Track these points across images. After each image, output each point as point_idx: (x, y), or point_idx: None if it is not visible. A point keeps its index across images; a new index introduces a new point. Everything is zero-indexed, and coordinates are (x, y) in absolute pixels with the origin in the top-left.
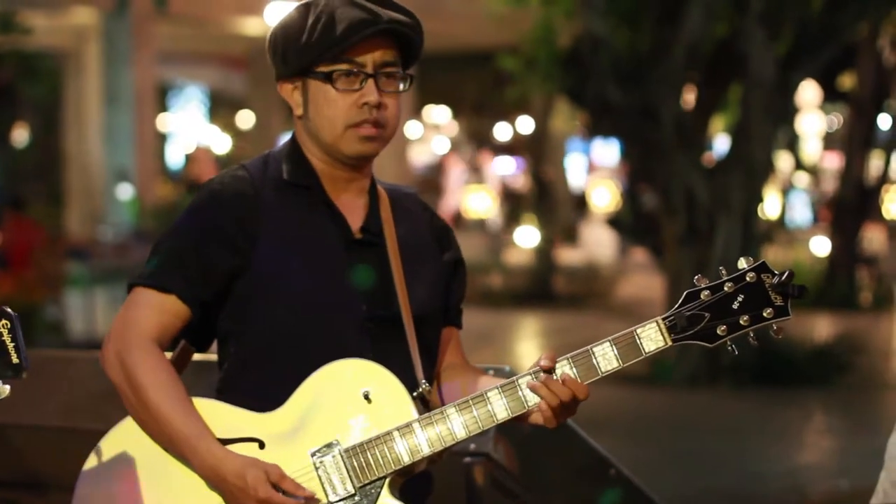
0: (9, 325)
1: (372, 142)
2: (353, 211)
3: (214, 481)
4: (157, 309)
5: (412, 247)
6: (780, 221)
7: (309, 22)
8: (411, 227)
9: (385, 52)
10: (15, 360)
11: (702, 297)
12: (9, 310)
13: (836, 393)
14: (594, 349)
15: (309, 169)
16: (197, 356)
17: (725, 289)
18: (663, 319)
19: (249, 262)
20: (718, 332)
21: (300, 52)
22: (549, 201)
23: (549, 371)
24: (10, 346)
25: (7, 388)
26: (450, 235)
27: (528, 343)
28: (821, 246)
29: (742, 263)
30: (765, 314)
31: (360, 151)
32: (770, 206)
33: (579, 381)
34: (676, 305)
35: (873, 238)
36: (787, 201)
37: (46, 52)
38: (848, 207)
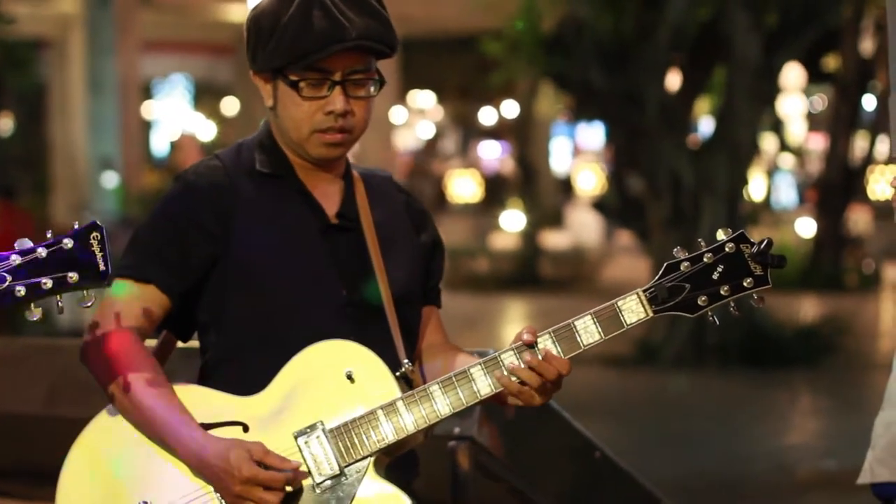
0: (98, 237)
1: (337, 147)
2: (329, 197)
3: (198, 467)
4: (137, 299)
5: (389, 230)
6: (766, 203)
7: (281, 22)
8: (387, 210)
9: (355, 60)
10: (102, 267)
11: (682, 268)
12: (99, 223)
13: (822, 373)
14: (575, 323)
15: (282, 158)
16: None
17: (705, 260)
18: (644, 291)
19: (226, 251)
20: (699, 302)
21: (268, 56)
22: (535, 185)
23: (532, 345)
24: (99, 255)
25: (38, 311)
26: (426, 217)
27: (514, 327)
28: (806, 227)
29: (721, 234)
30: (745, 283)
31: (324, 155)
32: (755, 188)
33: (562, 355)
34: (657, 277)
35: (859, 219)
36: (772, 183)
37: (30, 41)
38: (833, 189)
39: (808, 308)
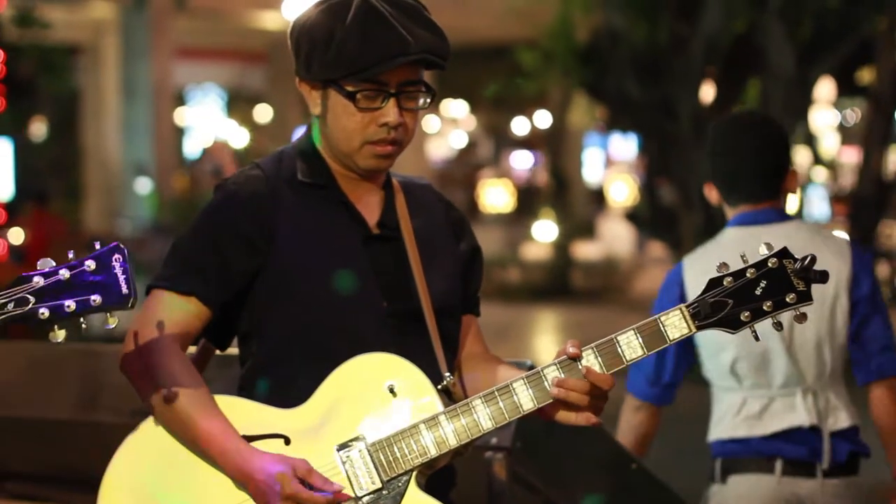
0: (120, 259)
1: (387, 158)
2: (369, 206)
3: (242, 480)
4: (177, 311)
5: (429, 239)
6: (799, 216)
7: (336, 35)
8: (427, 218)
9: (410, 72)
10: (125, 290)
11: (724, 283)
12: (121, 244)
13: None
14: (618, 338)
15: (324, 168)
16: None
17: (748, 275)
18: (687, 306)
19: (268, 261)
20: (742, 318)
21: (325, 66)
22: (567, 196)
23: (576, 359)
24: (122, 277)
25: (62, 333)
26: (465, 225)
27: (546, 338)
28: None
29: (763, 249)
30: (787, 299)
31: (374, 167)
32: (788, 201)
33: (605, 370)
34: (700, 292)
35: (892, 233)
36: (804, 196)
37: (65, 47)
38: (866, 202)
39: None
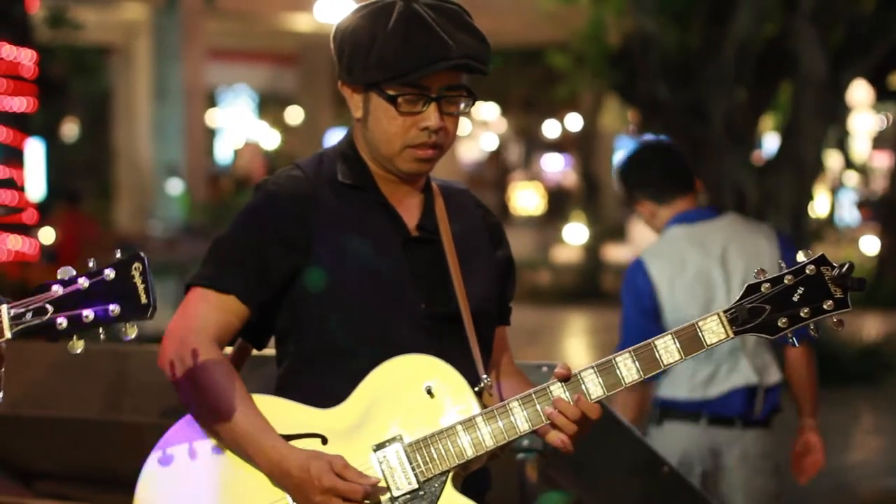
0: (140, 268)
1: (427, 162)
2: (409, 209)
3: (279, 477)
4: (217, 309)
5: (467, 243)
6: (830, 220)
7: (378, 40)
8: (465, 223)
9: (451, 77)
10: (144, 300)
11: (762, 289)
12: (141, 253)
13: (884, 391)
14: (656, 342)
15: (364, 170)
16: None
17: (785, 281)
18: (724, 312)
19: (307, 262)
20: (779, 324)
21: (367, 71)
22: (598, 198)
23: (566, 379)
24: (141, 287)
25: (81, 343)
26: (501, 232)
27: (576, 340)
28: (870, 245)
29: (801, 256)
30: (825, 306)
31: (414, 170)
32: (819, 205)
33: (642, 374)
34: (737, 298)
35: None
36: (836, 200)
37: (97, 48)
38: None
39: (871, 326)
